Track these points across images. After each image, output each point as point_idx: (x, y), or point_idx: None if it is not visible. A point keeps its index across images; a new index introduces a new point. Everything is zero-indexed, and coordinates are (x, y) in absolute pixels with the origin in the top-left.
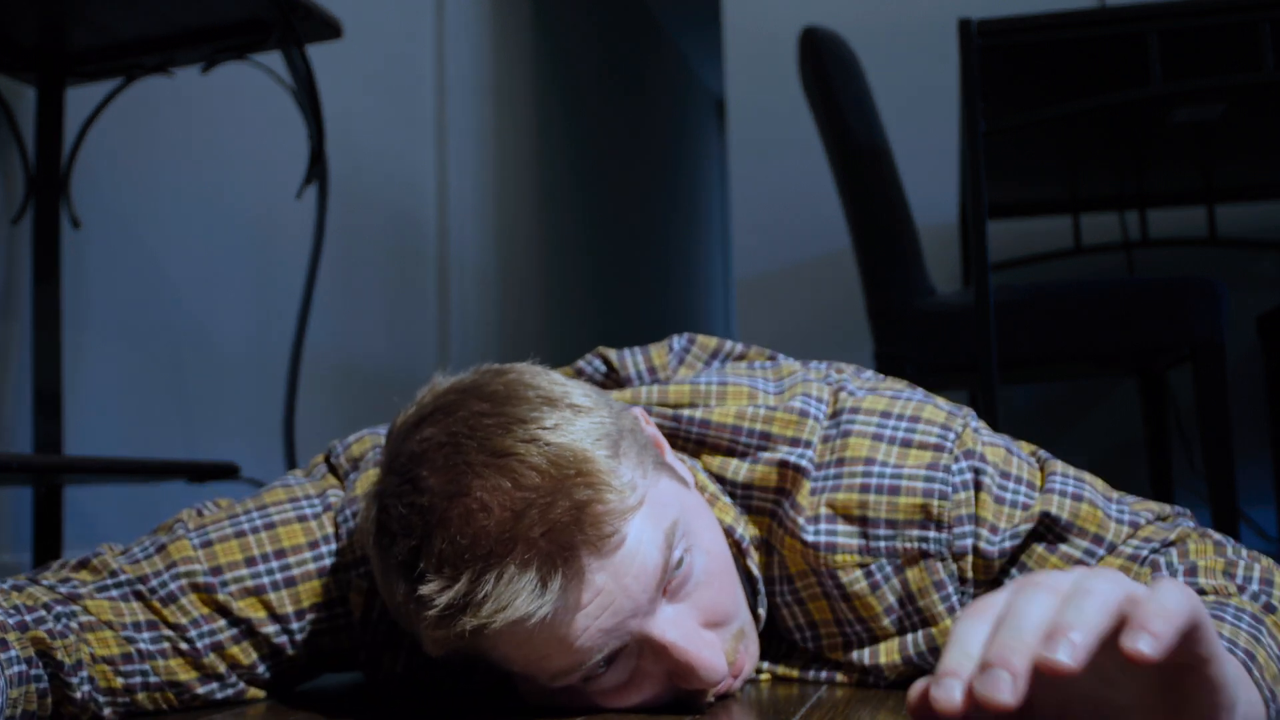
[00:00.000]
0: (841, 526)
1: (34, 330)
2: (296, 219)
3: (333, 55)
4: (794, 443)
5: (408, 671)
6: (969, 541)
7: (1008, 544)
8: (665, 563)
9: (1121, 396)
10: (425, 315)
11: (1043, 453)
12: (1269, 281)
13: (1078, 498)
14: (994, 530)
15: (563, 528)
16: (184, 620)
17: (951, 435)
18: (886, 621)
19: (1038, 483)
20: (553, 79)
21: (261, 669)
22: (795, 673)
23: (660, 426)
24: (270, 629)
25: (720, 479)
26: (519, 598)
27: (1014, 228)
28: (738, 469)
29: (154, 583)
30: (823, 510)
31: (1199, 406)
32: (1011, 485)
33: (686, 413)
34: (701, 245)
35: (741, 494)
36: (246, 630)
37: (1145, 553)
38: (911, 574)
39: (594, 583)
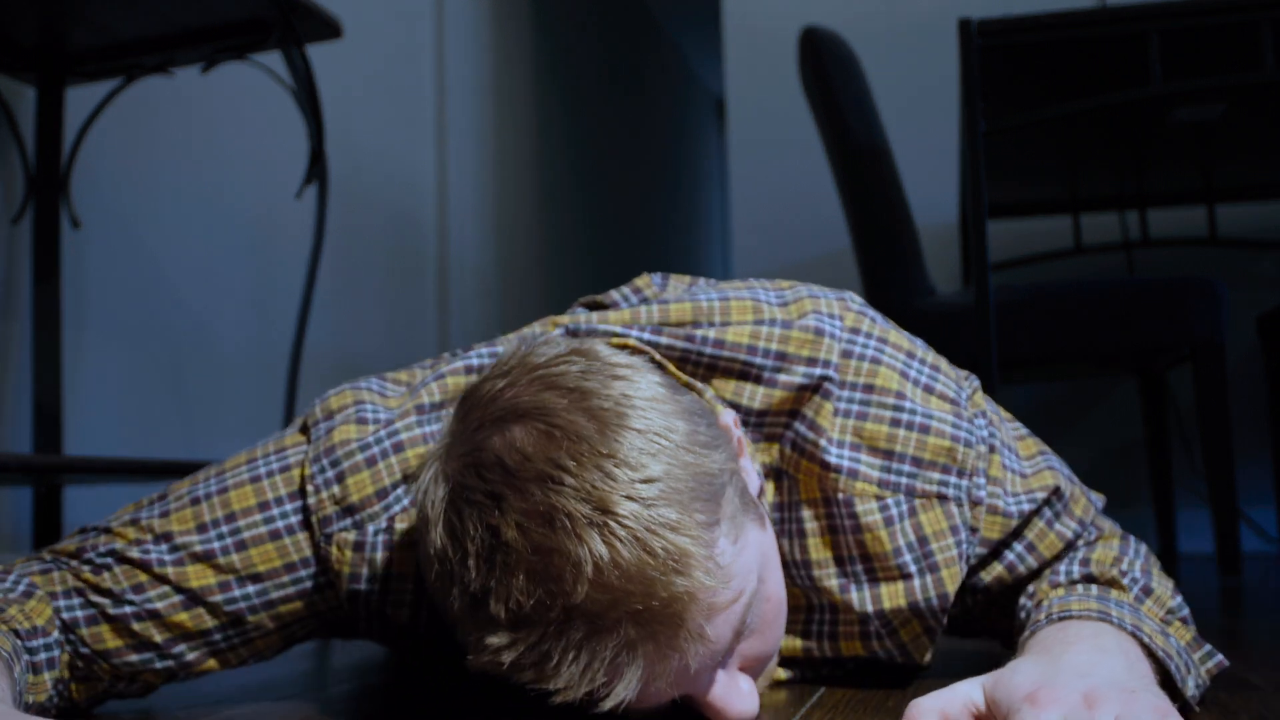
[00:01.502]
0: (865, 456)
1: (34, 330)
2: (296, 219)
3: (333, 55)
4: (811, 362)
5: (417, 621)
6: (984, 493)
7: (1025, 506)
8: (737, 638)
9: (1121, 396)
10: (425, 315)
11: (1023, 428)
12: (1269, 281)
13: (1072, 480)
14: (1006, 492)
15: (655, 620)
16: (114, 587)
17: (964, 394)
18: (894, 563)
19: (1023, 453)
20: (553, 79)
21: (219, 637)
22: (798, 643)
23: (671, 348)
24: (220, 597)
25: (734, 405)
26: (590, 676)
27: (1014, 228)
28: (753, 394)
29: (89, 555)
30: (849, 437)
31: (1199, 406)
32: (1009, 454)
33: (700, 332)
34: (701, 245)
35: (755, 420)
36: (193, 597)
37: (1087, 539)
38: (926, 517)
39: (666, 666)
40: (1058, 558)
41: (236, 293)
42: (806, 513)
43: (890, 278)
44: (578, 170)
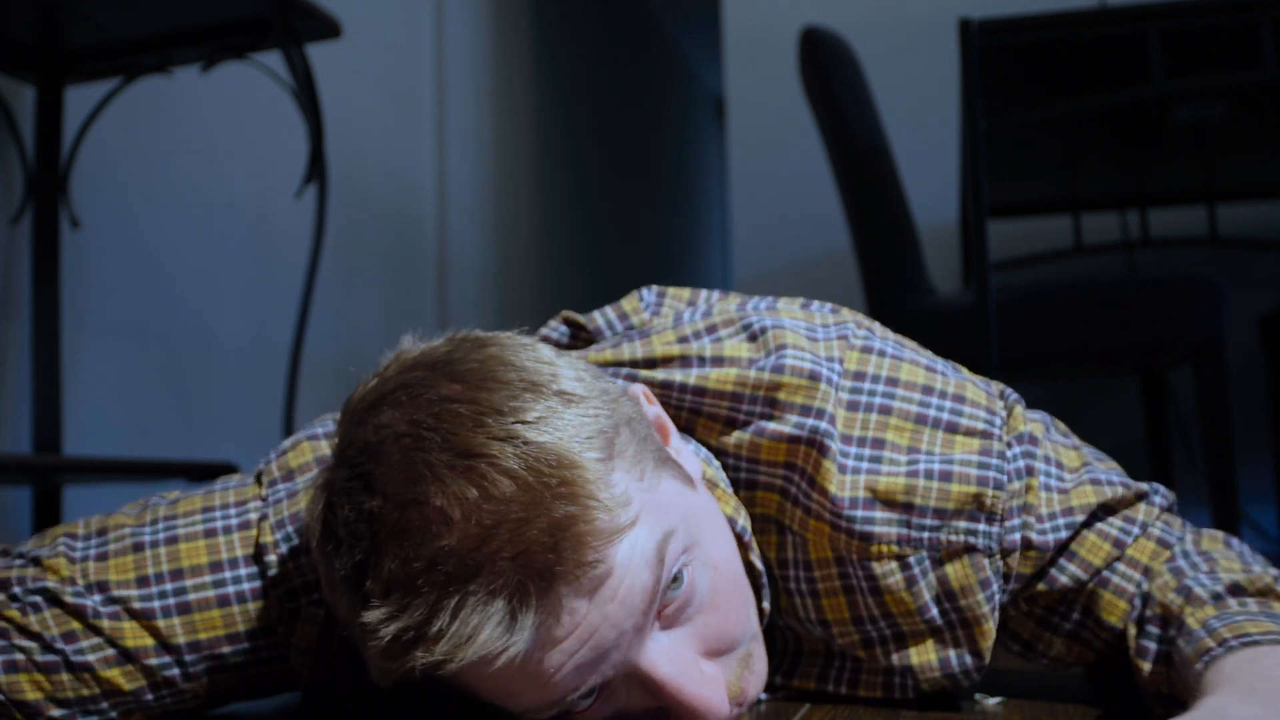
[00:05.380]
0: (880, 513)
1: (33, 330)
2: (296, 218)
3: (332, 55)
4: (804, 411)
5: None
6: (1018, 535)
7: (1064, 534)
8: (657, 582)
9: (1121, 396)
10: (425, 315)
11: (1073, 436)
12: (1270, 281)
13: (1125, 486)
14: (1039, 519)
15: (538, 551)
16: (44, 631)
17: (998, 420)
18: (922, 618)
19: (1075, 464)
20: (553, 79)
21: (151, 698)
22: (811, 685)
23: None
24: (155, 660)
25: (721, 452)
26: (482, 634)
27: (1014, 228)
28: (740, 441)
29: (16, 589)
30: (861, 493)
31: (1200, 406)
32: (1055, 470)
33: (678, 379)
34: (701, 245)
35: (747, 468)
36: (127, 655)
37: (1171, 539)
38: (952, 569)
39: (573, 613)
40: (1117, 559)
41: (236, 293)
42: (817, 573)
43: (890, 278)
44: (577, 170)
